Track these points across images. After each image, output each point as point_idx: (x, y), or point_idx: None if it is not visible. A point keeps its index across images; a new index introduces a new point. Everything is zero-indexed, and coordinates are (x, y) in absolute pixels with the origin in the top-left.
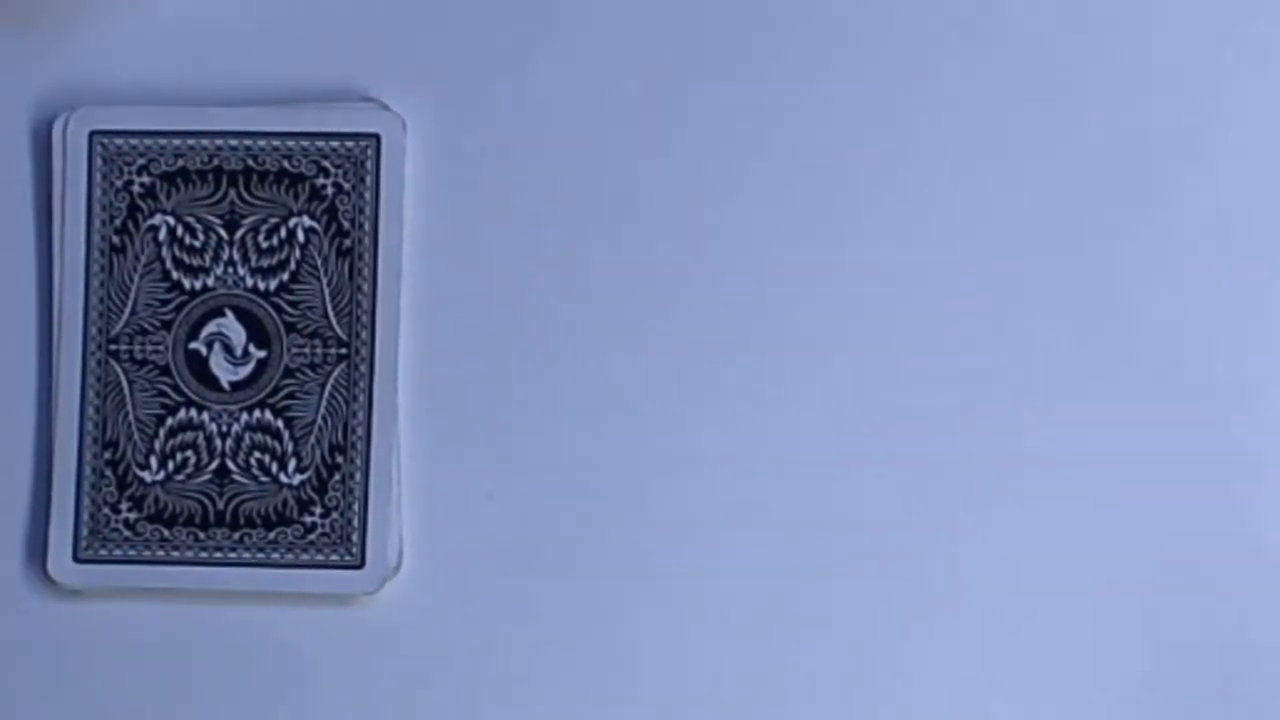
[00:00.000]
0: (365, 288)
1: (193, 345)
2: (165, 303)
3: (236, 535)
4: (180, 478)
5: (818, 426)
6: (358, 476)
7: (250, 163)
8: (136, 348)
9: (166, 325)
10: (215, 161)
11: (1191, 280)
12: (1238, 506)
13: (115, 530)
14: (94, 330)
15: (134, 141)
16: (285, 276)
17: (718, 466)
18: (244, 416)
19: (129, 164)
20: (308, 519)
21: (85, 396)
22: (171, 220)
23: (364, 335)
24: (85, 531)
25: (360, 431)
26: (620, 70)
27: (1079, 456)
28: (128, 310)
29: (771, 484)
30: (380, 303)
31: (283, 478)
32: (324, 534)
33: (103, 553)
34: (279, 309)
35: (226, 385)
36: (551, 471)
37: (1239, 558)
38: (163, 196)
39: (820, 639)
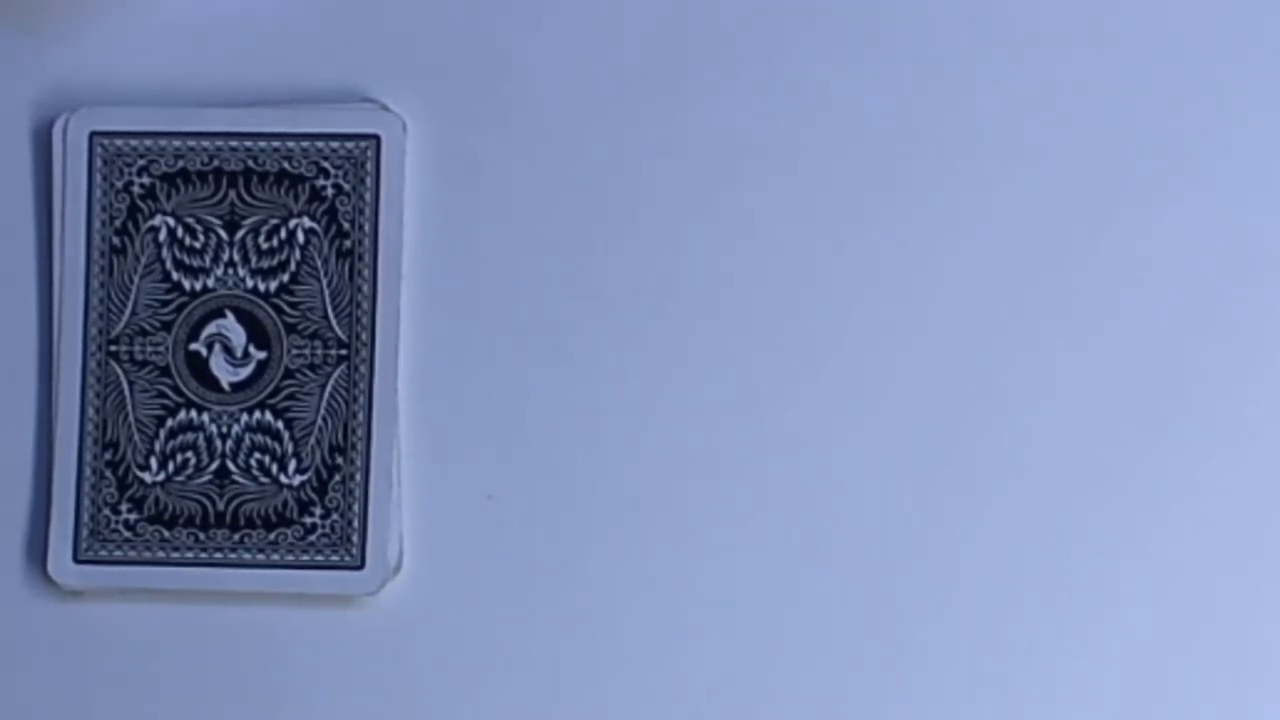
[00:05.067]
0: (365, 289)
1: (193, 346)
2: (165, 304)
3: (237, 536)
4: (180, 479)
5: (818, 426)
6: (358, 477)
7: (250, 164)
8: (137, 348)
9: (167, 326)
10: (215, 162)
11: (1191, 278)
12: (1236, 505)
13: (115, 531)
14: (94, 331)
15: (134, 142)
16: (285, 277)
17: (718, 466)
18: (244, 417)
19: (129, 165)
20: (308, 520)
21: (85, 397)
22: (172, 221)
23: (364, 336)
24: (85, 532)
25: (360, 432)
26: (620, 70)
27: (1078, 453)
28: (128, 311)
29: (771, 483)
30: (380, 304)
31: (283, 479)
32: (324, 535)
33: (103, 553)
34: (279, 310)
35: (227, 386)
36: (551, 471)
37: (1237, 556)
38: (163, 197)
39: (821, 638)
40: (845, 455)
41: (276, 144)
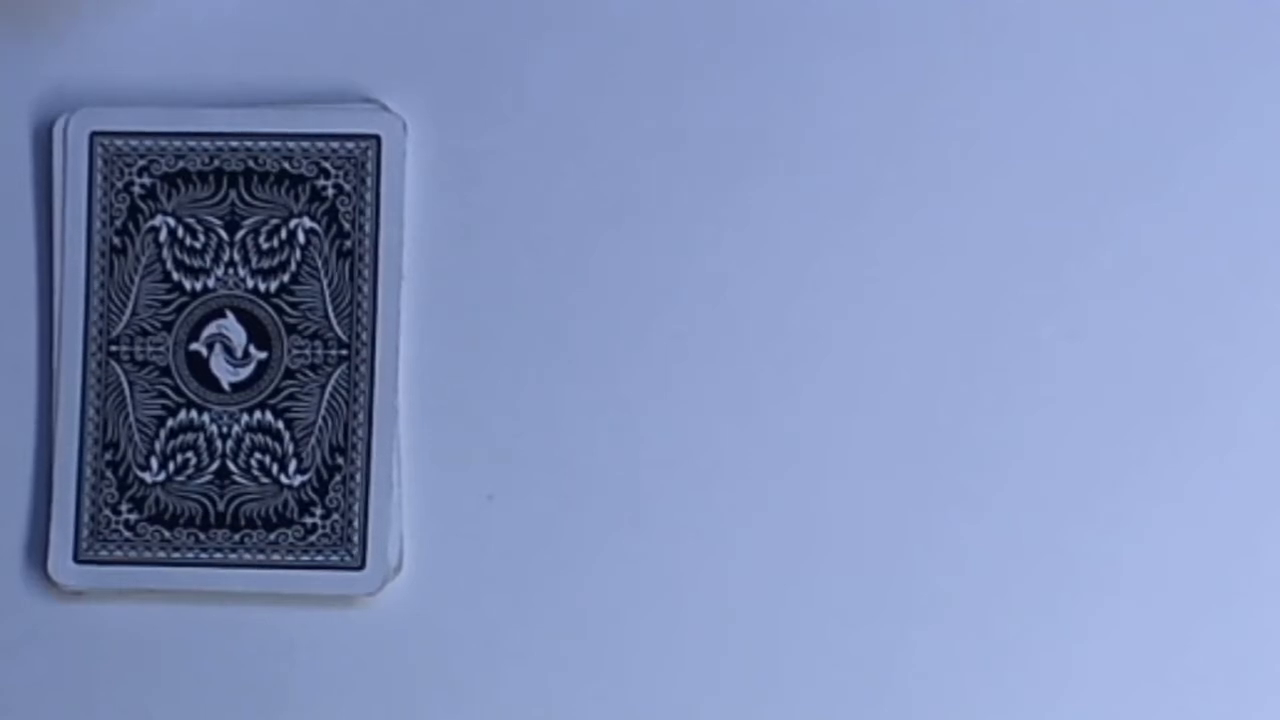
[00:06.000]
0: (366, 289)
1: (193, 346)
2: (166, 304)
3: (237, 536)
4: (181, 479)
5: (817, 426)
6: (358, 477)
7: (251, 164)
8: (137, 349)
9: (167, 326)
10: (216, 163)
11: (1187, 279)
12: (1235, 506)
13: (116, 531)
14: (94, 331)
15: (134, 142)
16: (286, 278)
17: (717, 466)
18: (244, 418)
19: (129, 165)
20: (308, 520)
21: (86, 397)
22: (172, 221)
23: (364, 336)
24: (86, 533)
25: (360, 433)
26: (620, 70)
27: (1076, 454)
28: (128, 311)
29: (770, 484)
30: (380, 304)
31: (283, 479)
32: (324, 535)
33: (103, 554)
34: (280, 310)
35: (227, 386)
36: (551, 471)
37: (1235, 557)
38: (163, 197)
39: (820, 638)
40: (844, 456)
41: (277, 144)
